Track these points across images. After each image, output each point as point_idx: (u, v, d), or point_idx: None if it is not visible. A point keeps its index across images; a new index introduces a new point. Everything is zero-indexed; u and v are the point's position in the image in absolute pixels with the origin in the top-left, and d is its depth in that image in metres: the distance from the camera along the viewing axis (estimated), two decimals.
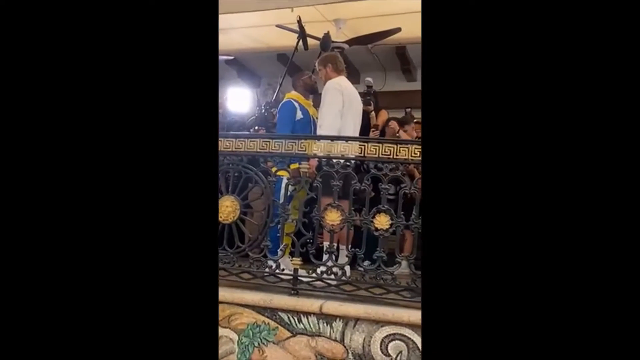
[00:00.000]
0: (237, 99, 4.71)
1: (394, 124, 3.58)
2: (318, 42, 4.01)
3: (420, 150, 2.29)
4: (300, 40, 3.86)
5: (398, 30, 3.91)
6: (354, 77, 4.81)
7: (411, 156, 2.29)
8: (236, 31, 4.26)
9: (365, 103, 3.24)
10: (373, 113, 3.58)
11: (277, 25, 3.94)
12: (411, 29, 3.90)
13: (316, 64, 3.08)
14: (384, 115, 3.75)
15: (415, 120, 3.80)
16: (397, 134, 3.50)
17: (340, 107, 2.74)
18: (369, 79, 3.53)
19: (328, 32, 3.88)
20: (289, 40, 4.04)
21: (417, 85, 5.28)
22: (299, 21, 3.70)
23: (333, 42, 4.11)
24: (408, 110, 4.05)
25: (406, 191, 2.29)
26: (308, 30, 3.92)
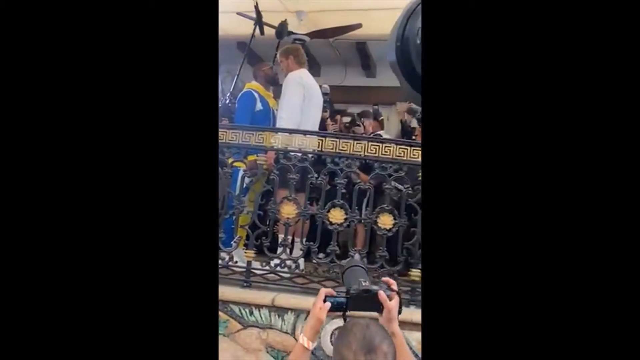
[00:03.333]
0: None
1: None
2: None
3: (376, 146, 2.33)
4: (257, 27, 3.81)
5: (359, 26, 3.94)
6: (314, 70, 4.81)
7: (367, 152, 2.33)
8: None
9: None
10: (328, 120, 3.63)
11: (238, 13, 3.87)
12: (372, 25, 3.94)
13: (277, 55, 3.06)
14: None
15: (375, 118, 3.87)
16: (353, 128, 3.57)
17: (301, 100, 2.73)
18: (326, 85, 3.54)
19: (285, 20, 3.85)
20: (249, 28, 3.97)
21: (376, 82, 5.36)
22: (256, 6, 3.64)
23: (294, 33, 4.09)
24: (376, 107, 4.12)
25: (361, 186, 2.34)
26: (269, 20, 3.87)
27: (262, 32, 3.83)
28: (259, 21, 3.71)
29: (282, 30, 3.80)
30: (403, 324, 2.01)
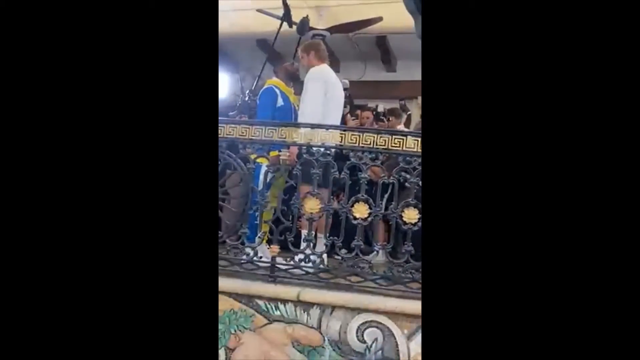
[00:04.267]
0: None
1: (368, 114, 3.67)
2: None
3: (400, 140, 2.31)
4: (284, 21, 3.80)
5: (379, 19, 3.91)
6: (334, 65, 4.79)
7: (391, 145, 2.30)
8: None
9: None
10: (348, 115, 3.61)
11: (258, 10, 3.88)
12: (392, 18, 3.90)
13: (299, 51, 3.05)
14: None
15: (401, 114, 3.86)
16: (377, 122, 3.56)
17: (322, 95, 2.72)
18: (346, 80, 3.51)
19: (307, 16, 3.84)
20: (269, 25, 3.98)
21: (396, 76, 5.31)
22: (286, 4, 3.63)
23: (314, 29, 4.08)
24: (402, 102, 4.09)
25: (385, 181, 2.31)
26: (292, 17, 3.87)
27: (290, 25, 3.81)
28: (286, 13, 3.70)
29: (303, 26, 3.80)
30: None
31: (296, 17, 3.89)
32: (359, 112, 3.97)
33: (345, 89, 3.13)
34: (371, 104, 4.93)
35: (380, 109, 3.78)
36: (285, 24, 3.85)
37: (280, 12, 3.80)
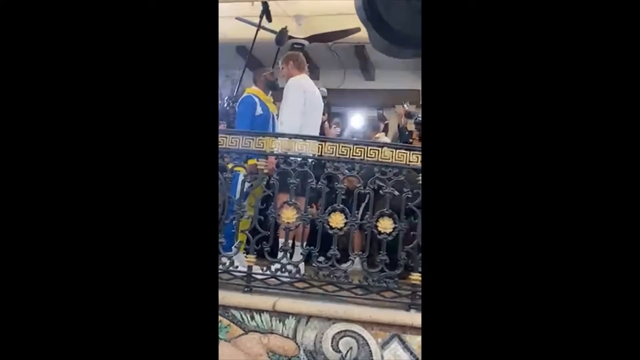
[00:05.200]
0: None
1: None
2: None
3: (375, 151, 2.35)
4: (263, 16, 3.78)
5: (357, 30, 3.95)
6: (313, 74, 4.82)
7: (367, 157, 2.34)
8: None
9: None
10: (326, 123, 3.62)
11: (237, 18, 3.88)
12: None
13: (279, 62, 3.07)
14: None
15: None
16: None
17: (301, 105, 2.75)
18: (323, 88, 3.53)
19: (285, 27, 3.87)
20: (248, 32, 3.99)
21: (375, 85, 5.38)
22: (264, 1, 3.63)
23: (293, 37, 4.10)
24: (380, 111, 4.13)
25: (360, 190, 2.35)
26: (268, 25, 3.88)
27: (269, 19, 3.79)
28: (265, 10, 3.68)
29: (282, 37, 3.82)
30: (403, 328, 2.03)
31: (275, 24, 3.91)
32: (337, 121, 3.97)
33: (323, 97, 3.16)
34: (350, 112, 4.98)
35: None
36: (265, 31, 3.87)
37: (259, 22, 3.81)
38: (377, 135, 3.65)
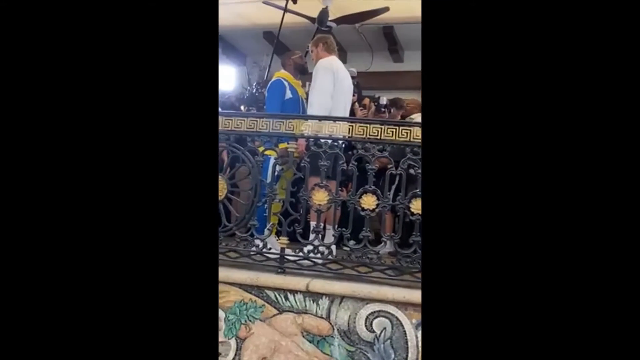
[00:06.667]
0: (223, 77, 4.64)
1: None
2: (306, 21, 3.96)
3: (407, 131, 2.31)
4: (285, 12, 3.76)
5: (386, 9, 3.88)
6: (341, 57, 4.77)
7: (398, 137, 2.31)
8: (221, 7, 4.14)
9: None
10: (356, 104, 3.59)
11: (264, 2, 3.87)
12: (399, 8, 3.88)
13: (309, 45, 3.05)
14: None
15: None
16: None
17: (331, 87, 2.73)
18: (353, 69, 3.49)
19: (327, 7, 3.83)
20: (276, 17, 3.97)
21: (404, 67, 5.28)
22: None
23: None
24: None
25: (392, 172, 2.32)
26: (297, 8, 3.86)
27: (294, 1, 3.76)
28: None
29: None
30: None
31: (303, 7, 3.87)
32: (367, 101, 3.95)
33: (352, 77, 3.12)
34: (379, 95, 4.91)
35: (383, 101, 3.74)
36: (291, 15, 3.84)
37: (285, 4, 3.79)
38: (412, 116, 3.59)
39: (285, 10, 3.81)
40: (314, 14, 4.02)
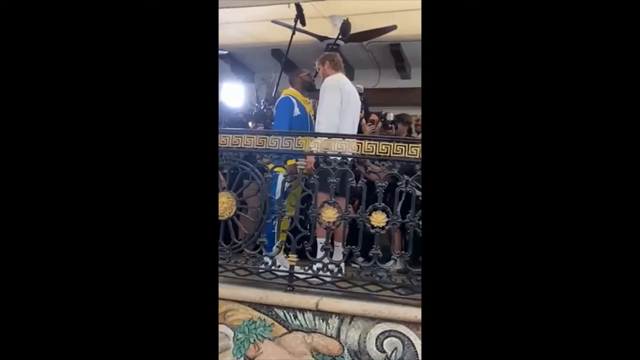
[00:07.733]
0: (232, 94, 4.69)
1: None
2: (314, 39, 4.01)
3: (416, 148, 2.30)
4: (297, 21, 3.81)
5: (394, 28, 3.91)
6: (348, 74, 4.81)
7: (407, 154, 2.30)
8: (231, 26, 4.22)
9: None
10: (363, 120, 3.60)
11: (273, 21, 3.92)
12: (406, 26, 3.91)
13: (316, 63, 3.08)
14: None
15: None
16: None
17: (339, 104, 2.75)
18: (360, 85, 3.51)
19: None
20: (284, 35, 4.02)
21: (411, 83, 5.30)
22: (297, 4, 3.66)
23: (328, 38, 4.11)
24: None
25: (402, 189, 2.31)
26: (305, 27, 3.90)
27: (303, 23, 3.81)
28: (299, 13, 3.70)
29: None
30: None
31: (311, 26, 3.92)
32: (374, 117, 3.96)
33: (360, 94, 3.14)
34: (385, 111, 4.93)
35: (390, 117, 3.75)
36: (300, 34, 3.88)
37: (294, 24, 3.83)
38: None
39: (295, 29, 3.85)
40: (322, 32, 4.07)
